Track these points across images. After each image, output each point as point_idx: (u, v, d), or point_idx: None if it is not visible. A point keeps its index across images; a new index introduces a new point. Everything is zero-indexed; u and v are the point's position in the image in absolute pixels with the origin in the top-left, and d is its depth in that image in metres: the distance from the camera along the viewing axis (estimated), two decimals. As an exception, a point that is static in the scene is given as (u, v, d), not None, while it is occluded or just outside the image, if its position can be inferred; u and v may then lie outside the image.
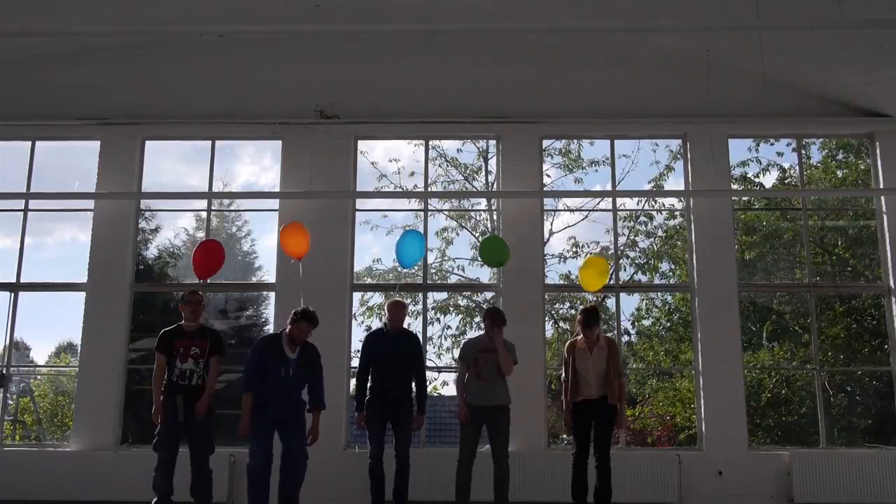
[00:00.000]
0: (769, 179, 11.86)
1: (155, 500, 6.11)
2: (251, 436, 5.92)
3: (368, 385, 6.63)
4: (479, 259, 7.67)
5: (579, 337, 6.70)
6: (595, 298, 8.72)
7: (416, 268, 8.33)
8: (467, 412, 6.46)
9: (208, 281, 7.66)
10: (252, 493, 5.89)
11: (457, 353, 9.49)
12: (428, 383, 6.87)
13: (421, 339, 7.58)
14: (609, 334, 7.90)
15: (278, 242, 8.34)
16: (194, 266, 7.52)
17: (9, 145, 8.99)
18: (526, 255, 8.21)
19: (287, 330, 6.08)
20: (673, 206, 11.00)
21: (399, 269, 11.92)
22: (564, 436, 7.35)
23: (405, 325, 6.88)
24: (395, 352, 6.59)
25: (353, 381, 7.50)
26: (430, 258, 10.01)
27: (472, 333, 11.55)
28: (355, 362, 8.63)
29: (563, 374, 6.74)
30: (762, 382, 11.21)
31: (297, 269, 7.67)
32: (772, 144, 11.22)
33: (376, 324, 12.29)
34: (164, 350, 6.23)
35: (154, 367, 6.32)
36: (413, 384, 6.65)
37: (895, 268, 8.23)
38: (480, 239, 8.35)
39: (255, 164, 13.52)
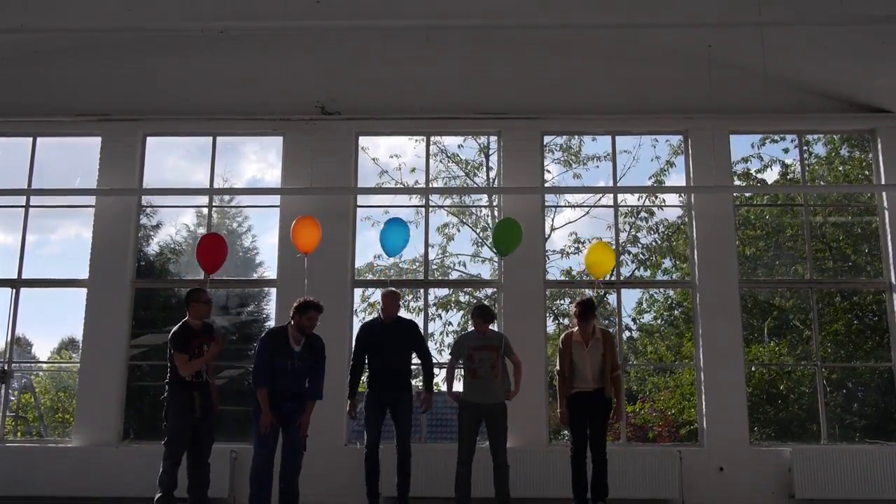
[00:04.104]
0: (771, 176, 11.85)
1: (159, 495, 6.10)
2: (257, 434, 5.99)
3: (365, 374, 6.65)
4: (490, 239, 7.60)
5: (575, 329, 6.69)
6: (594, 294, 8.72)
7: (416, 264, 8.32)
8: (457, 395, 6.60)
9: (212, 277, 7.65)
10: (254, 486, 5.95)
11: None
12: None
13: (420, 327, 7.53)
14: (610, 329, 7.89)
15: (279, 238, 8.35)
16: (201, 261, 7.52)
17: (9, 141, 8.98)
18: (527, 250, 8.20)
19: (293, 322, 6.13)
20: (675, 202, 10.98)
21: (400, 265, 11.96)
22: (566, 432, 7.31)
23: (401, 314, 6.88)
24: (391, 338, 6.61)
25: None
26: (432, 254, 10.00)
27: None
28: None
29: (559, 366, 6.73)
30: (761, 377, 11.22)
31: (299, 265, 7.68)
32: (776, 142, 11.19)
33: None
34: (185, 350, 6.22)
35: (173, 369, 6.20)
36: (412, 369, 6.69)
37: (896, 264, 8.22)
38: (496, 223, 8.25)
39: (261, 162, 13.52)
